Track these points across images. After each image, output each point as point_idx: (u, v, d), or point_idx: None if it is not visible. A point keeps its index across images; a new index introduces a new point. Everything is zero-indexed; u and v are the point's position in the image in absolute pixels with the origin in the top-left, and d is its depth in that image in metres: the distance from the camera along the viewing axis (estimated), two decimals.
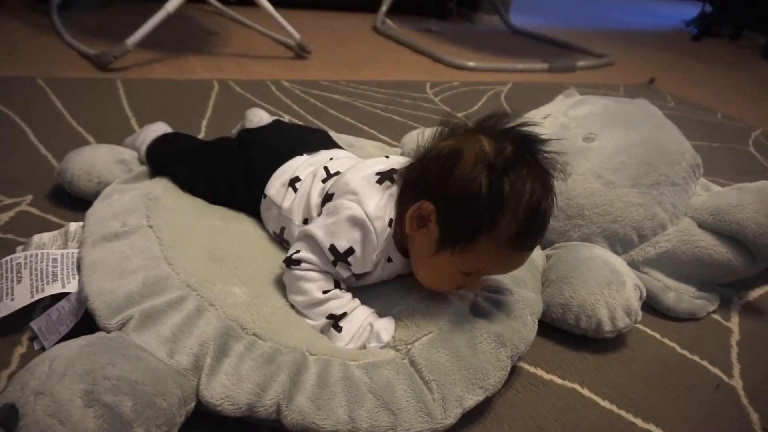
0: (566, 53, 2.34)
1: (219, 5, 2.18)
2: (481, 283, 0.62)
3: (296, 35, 1.78)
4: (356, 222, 0.58)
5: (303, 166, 0.71)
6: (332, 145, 0.79)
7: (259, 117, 1.04)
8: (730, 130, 1.67)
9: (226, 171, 0.75)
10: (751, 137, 1.62)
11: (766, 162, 1.44)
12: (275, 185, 0.70)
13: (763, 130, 1.70)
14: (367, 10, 2.54)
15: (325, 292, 0.59)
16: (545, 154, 0.56)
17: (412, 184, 0.59)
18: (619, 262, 0.73)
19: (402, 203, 0.59)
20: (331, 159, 0.72)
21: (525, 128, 0.57)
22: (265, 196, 0.71)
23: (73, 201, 0.82)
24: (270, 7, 1.72)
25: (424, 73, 1.88)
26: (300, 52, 1.84)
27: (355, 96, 1.51)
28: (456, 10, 2.85)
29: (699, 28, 3.42)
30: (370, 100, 1.49)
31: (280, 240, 0.70)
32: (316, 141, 0.78)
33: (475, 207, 0.53)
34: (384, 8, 2.42)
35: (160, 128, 0.90)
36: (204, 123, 1.20)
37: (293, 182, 0.69)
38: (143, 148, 0.84)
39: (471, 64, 1.97)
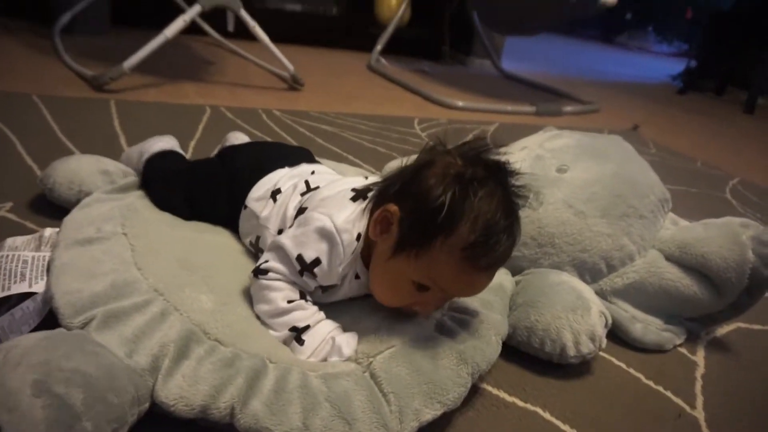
0: (553, 98, 2.41)
1: (218, 36, 2.25)
2: (434, 305, 0.61)
3: (290, 67, 1.84)
4: (324, 233, 0.59)
5: (284, 178, 0.72)
6: (313, 161, 0.81)
7: (239, 139, 1.06)
8: (708, 177, 1.72)
9: (208, 185, 0.76)
10: (729, 185, 1.66)
11: (741, 208, 1.47)
12: (256, 196, 0.72)
13: (742, 178, 1.75)
14: (363, 49, 2.62)
15: (290, 302, 0.59)
16: (515, 186, 0.58)
17: (383, 192, 0.60)
18: (585, 289, 0.74)
19: (372, 214, 0.60)
20: (312, 173, 0.73)
21: (500, 158, 0.58)
22: (246, 207, 0.72)
23: (52, 209, 0.82)
24: (266, 39, 1.78)
25: (413, 109, 1.92)
26: (293, 84, 1.88)
27: (343, 127, 1.54)
28: (449, 53, 2.95)
29: (684, 82, 3.54)
30: (357, 132, 1.53)
31: (256, 250, 0.71)
32: (297, 156, 0.79)
33: (434, 209, 0.54)
34: (379, 47, 2.50)
35: (167, 142, 0.88)
36: (192, 144, 1.22)
37: (274, 194, 0.70)
38: (143, 158, 0.83)
39: (460, 103, 2.03)
